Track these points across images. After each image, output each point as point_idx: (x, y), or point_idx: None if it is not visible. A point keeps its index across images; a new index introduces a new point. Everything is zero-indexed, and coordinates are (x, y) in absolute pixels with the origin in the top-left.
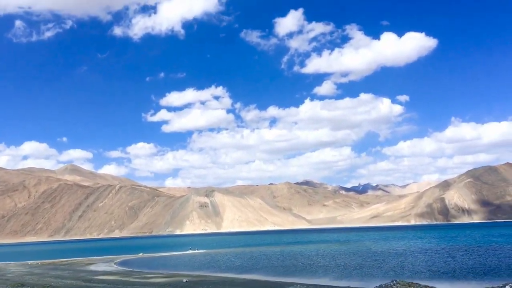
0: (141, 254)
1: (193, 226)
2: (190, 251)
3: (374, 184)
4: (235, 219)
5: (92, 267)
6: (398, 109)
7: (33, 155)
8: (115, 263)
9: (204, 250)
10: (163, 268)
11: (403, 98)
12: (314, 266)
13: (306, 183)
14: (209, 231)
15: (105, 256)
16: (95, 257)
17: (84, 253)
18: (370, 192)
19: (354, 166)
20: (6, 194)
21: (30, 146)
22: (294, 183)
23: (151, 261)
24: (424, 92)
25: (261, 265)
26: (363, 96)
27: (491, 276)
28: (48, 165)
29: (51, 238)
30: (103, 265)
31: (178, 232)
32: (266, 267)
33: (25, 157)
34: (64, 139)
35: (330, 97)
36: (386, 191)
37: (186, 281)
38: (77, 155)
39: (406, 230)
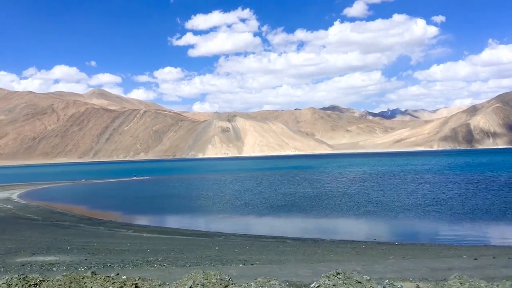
0: (83, 180)
1: (215, 150)
2: (135, 178)
3: (403, 109)
4: (256, 143)
5: None
6: (433, 30)
7: (64, 79)
8: (21, 193)
9: (147, 177)
10: (47, 200)
11: (439, 18)
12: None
13: (333, 108)
14: (230, 155)
15: (48, 181)
16: (36, 182)
17: (69, 175)
18: (398, 117)
19: (384, 91)
20: (36, 117)
21: (60, 70)
22: (320, 108)
23: (64, 190)
24: (461, 12)
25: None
26: (396, 17)
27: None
28: (79, 89)
29: (80, 160)
30: (5, 194)
31: (200, 156)
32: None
33: (56, 81)
34: (93, 63)
35: (360, 19)
36: (415, 116)
37: None
38: (106, 79)
39: (415, 156)
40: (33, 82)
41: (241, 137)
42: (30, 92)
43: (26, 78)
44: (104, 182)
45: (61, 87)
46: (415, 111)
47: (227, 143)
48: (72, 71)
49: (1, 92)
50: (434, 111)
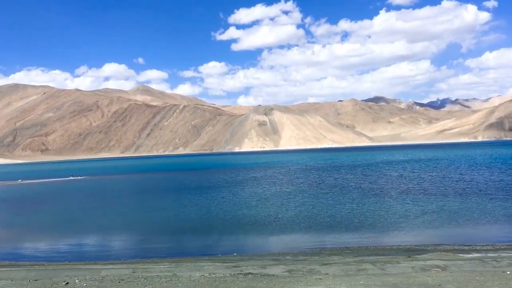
0: (19, 180)
1: (251, 143)
2: (72, 178)
3: (453, 99)
4: (293, 136)
5: None
6: (484, 16)
7: (113, 76)
8: None
9: (84, 177)
10: None
11: (491, 4)
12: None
13: (378, 99)
14: (267, 148)
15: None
16: None
17: (57, 172)
18: (448, 107)
19: (433, 80)
20: (82, 114)
21: (110, 68)
22: (364, 100)
23: None
24: None
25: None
26: (445, 3)
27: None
28: (128, 86)
29: (123, 155)
30: None
31: (237, 149)
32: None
33: (106, 79)
34: (140, 60)
35: (407, 7)
36: (466, 106)
37: None
38: (153, 75)
39: (445, 148)
40: (85, 80)
41: (278, 131)
42: (77, 90)
43: (78, 76)
44: (32, 183)
45: (111, 84)
46: (466, 100)
47: (263, 137)
48: (121, 68)
49: (50, 90)
50: (486, 100)
